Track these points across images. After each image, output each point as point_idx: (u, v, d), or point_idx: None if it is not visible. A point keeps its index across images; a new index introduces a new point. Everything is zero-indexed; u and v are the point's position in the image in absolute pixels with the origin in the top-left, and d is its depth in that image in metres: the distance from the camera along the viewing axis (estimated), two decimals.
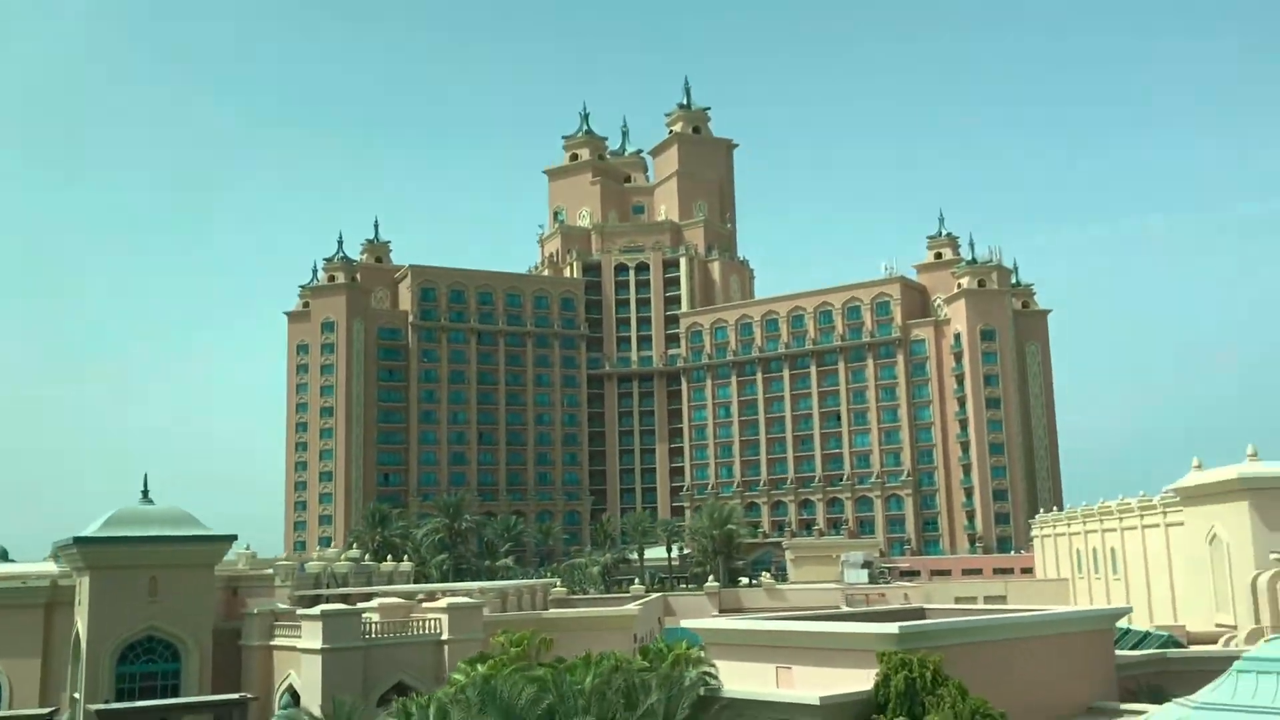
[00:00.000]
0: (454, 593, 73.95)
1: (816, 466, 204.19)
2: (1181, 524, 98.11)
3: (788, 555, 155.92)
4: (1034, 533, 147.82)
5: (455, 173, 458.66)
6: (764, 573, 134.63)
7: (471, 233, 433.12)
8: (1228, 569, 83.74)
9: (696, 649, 54.73)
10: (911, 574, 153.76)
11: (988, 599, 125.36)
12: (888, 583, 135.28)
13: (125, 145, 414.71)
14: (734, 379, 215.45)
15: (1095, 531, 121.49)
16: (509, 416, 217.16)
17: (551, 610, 71.70)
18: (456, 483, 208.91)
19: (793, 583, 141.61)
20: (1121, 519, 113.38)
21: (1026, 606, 73.15)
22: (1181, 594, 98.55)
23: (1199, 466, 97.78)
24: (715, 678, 54.22)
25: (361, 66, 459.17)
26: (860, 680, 51.12)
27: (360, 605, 66.86)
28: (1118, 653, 71.60)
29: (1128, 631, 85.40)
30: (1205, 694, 51.30)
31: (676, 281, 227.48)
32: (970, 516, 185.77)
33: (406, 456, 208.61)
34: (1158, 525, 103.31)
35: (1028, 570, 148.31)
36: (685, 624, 60.18)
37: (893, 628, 53.21)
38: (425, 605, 64.19)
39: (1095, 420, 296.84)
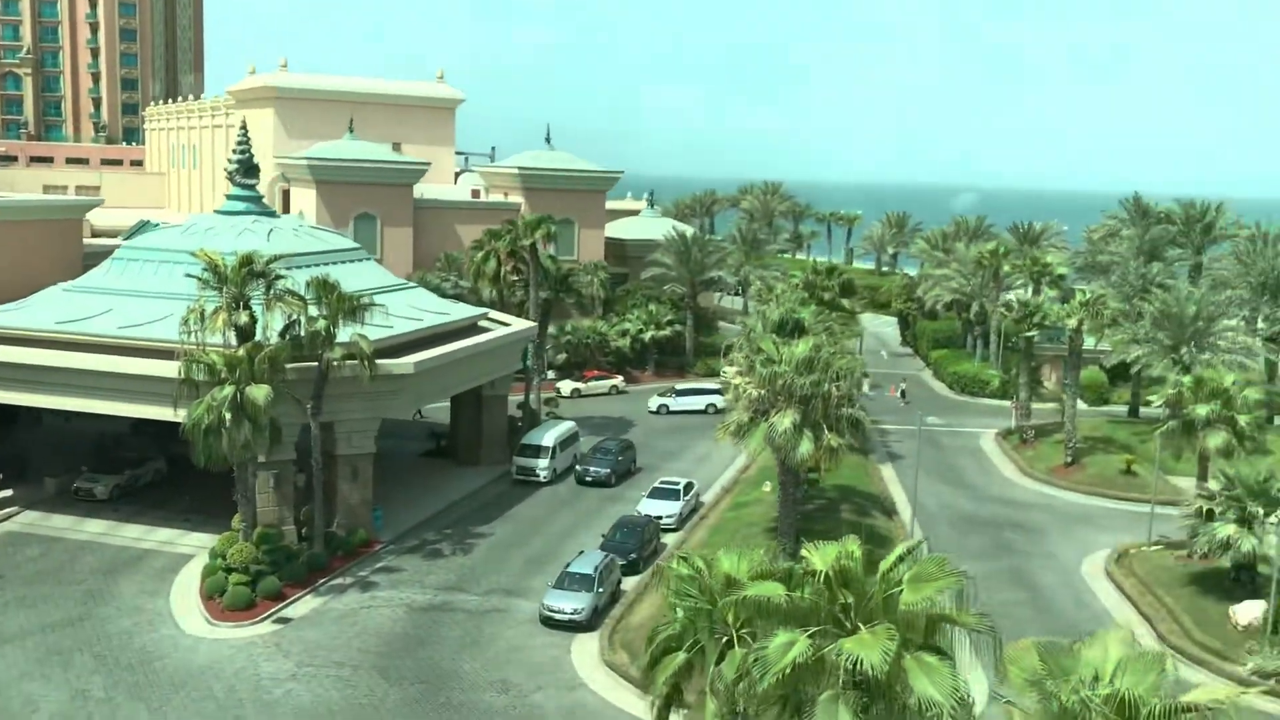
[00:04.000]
0: None
1: None
2: (234, 125, 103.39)
3: None
4: (146, 126, 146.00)
5: None
6: None
7: None
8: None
9: None
10: (7, 159, 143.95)
11: (81, 189, 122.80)
12: None
13: None
14: None
15: (184, 129, 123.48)
16: None
17: None
18: None
19: None
20: (201, 117, 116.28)
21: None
22: None
23: (253, 71, 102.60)
24: None
25: None
26: None
27: None
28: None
29: (146, 223, 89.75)
30: (86, 277, 55.71)
31: None
32: (97, 105, 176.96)
33: None
34: (221, 125, 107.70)
35: (138, 163, 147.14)
36: None
37: None
38: None
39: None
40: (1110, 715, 18.27)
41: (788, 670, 18.43)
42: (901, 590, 19.35)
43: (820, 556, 20.10)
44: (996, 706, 22.21)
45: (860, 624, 19.21)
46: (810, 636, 19.07)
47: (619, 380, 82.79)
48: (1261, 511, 42.46)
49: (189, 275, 42.58)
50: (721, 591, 22.10)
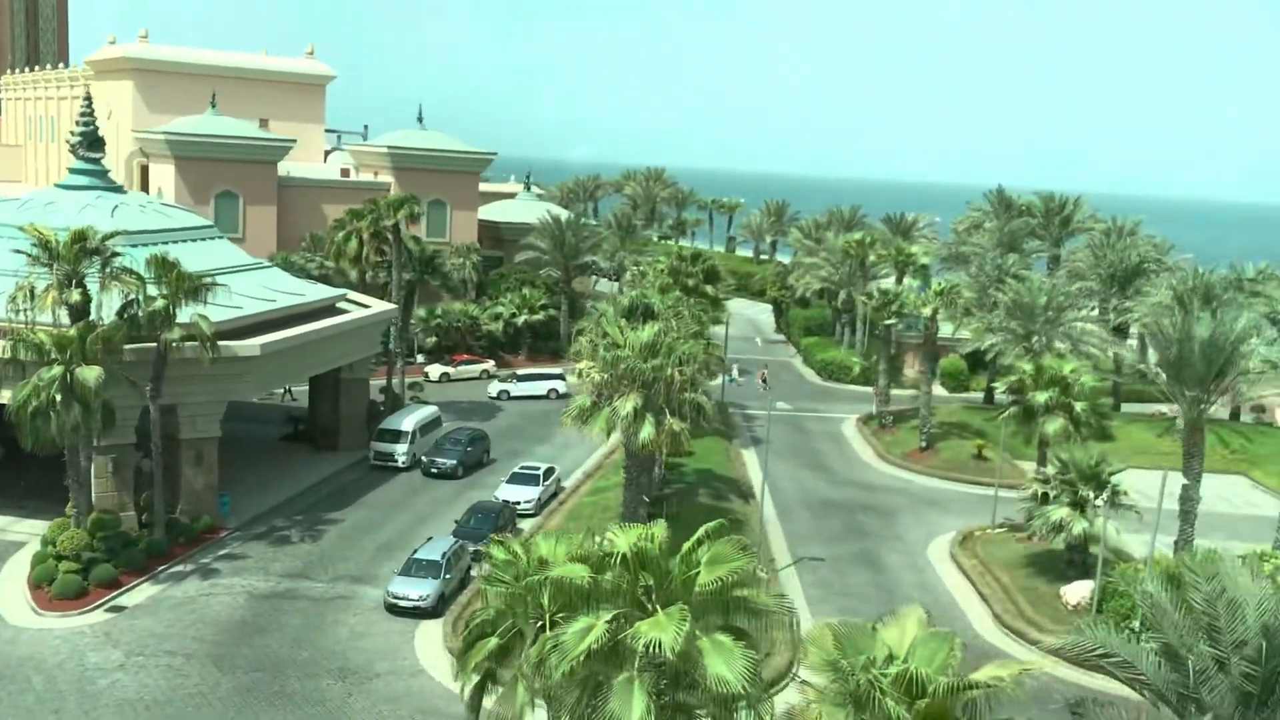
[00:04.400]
0: None
1: None
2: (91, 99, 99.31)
3: None
4: (2, 95, 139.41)
5: None
6: None
7: None
8: (117, 146, 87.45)
9: None
10: None
11: None
12: None
13: None
14: None
15: (42, 99, 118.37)
16: None
17: None
18: None
19: None
20: (59, 87, 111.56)
21: None
22: None
23: (112, 42, 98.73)
24: None
25: None
26: None
27: None
28: None
29: None
30: None
31: None
32: None
33: None
34: (80, 97, 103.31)
35: None
36: None
37: None
38: None
39: None
40: (898, 694, 18.73)
41: (583, 656, 18.45)
42: (699, 572, 19.56)
43: (624, 538, 20.18)
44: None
45: (659, 606, 19.36)
46: (611, 620, 19.13)
47: (490, 365, 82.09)
48: (1092, 495, 44.19)
49: (17, 251, 40.74)
50: (534, 575, 22.03)
